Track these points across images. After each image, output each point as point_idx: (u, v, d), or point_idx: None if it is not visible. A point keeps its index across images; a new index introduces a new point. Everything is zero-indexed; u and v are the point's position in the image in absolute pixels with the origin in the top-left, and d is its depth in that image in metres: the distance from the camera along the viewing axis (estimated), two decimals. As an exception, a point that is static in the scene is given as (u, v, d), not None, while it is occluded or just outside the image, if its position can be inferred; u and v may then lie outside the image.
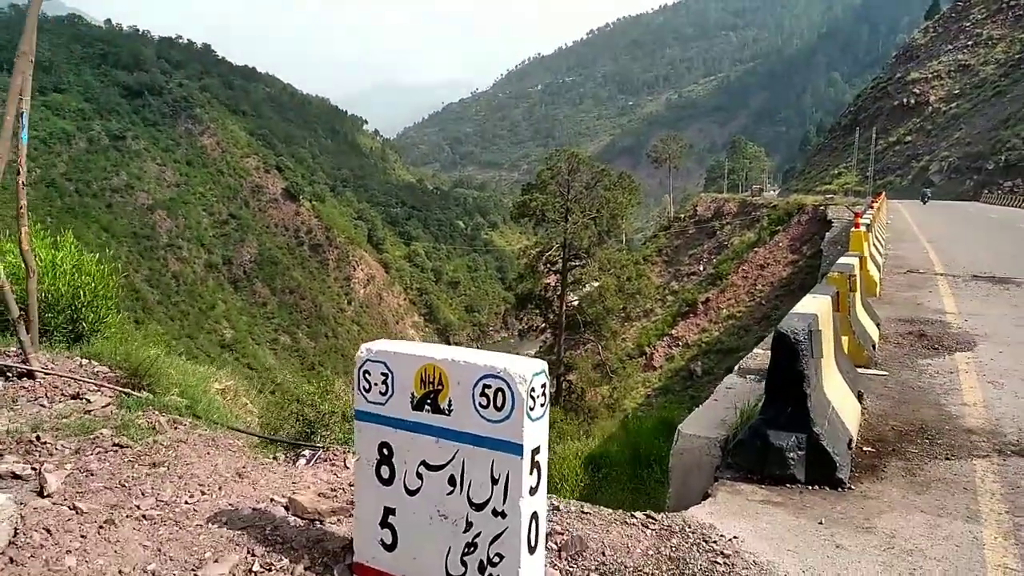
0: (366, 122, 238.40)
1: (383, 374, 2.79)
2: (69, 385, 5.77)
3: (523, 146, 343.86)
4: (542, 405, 2.51)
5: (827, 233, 32.10)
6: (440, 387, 2.62)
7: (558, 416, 30.13)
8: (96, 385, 5.80)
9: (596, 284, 41.38)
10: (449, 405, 2.60)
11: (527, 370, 2.42)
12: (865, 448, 4.62)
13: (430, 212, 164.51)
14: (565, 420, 30.31)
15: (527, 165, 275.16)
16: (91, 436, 4.68)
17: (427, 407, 2.67)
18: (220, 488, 4.01)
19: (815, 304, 4.85)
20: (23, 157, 6.38)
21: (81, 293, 8.01)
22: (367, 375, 2.84)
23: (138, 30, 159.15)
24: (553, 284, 42.08)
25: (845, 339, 6.34)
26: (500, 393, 2.44)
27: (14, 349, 6.33)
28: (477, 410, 2.52)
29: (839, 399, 4.56)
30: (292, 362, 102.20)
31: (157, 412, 5.35)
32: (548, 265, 42.33)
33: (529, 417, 2.43)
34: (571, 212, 40.05)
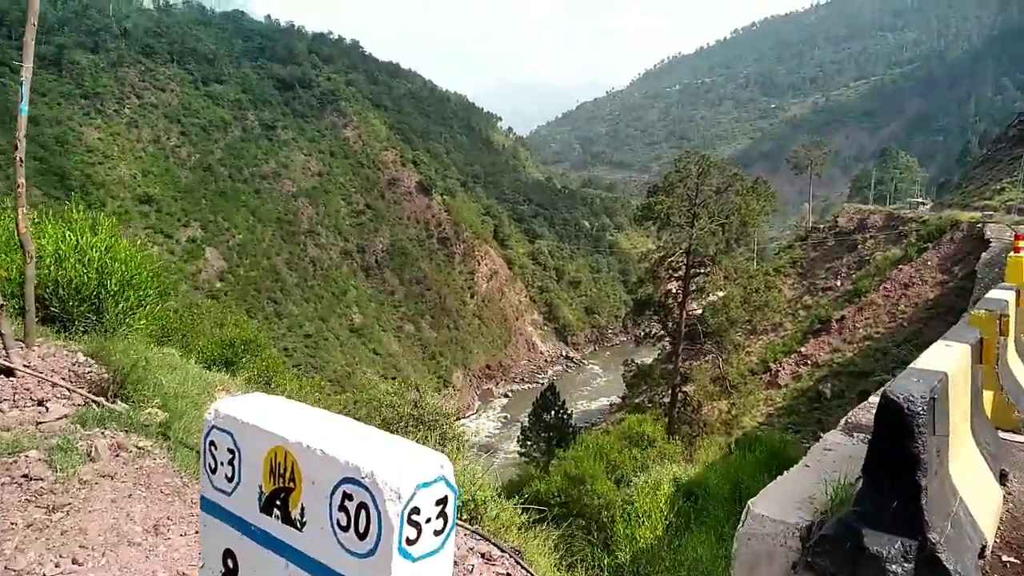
0: (500, 119, 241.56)
1: (230, 451, 1.90)
2: (42, 387, 5.23)
3: (656, 147, 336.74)
4: (437, 533, 1.57)
5: (983, 254, 29.17)
6: (292, 484, 1.72)
7: (659, 435, 29.06)
8: (69, 390, 5.27)
9: (721, 294, 39.70)
10: (301, 514, 1.71)
11: (408, 478, 1.52)
12: (1006, 558, 3.46)
13: (556, 211, 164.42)
14: (668, 440, 29.20)
15: (658, 167, 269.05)
16: (11, 459, 4.06)
17: (276, 511, 1.78)
18: (103, 555, 3.27)
19: (946, 357, 3.81)
20: (21, 131, 5.79)
21: (108, 281, 7.38)
22: (213, 448, 1.96)
23: (294, 25, 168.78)
24: (674, 291, 40.69)
25: (988, 395, 5.20)
26: (364, 511, 1.54)
27: (18, 342, 5.79)
28: (335, 530, 1.61)
29: (971, 485, 3.46)
30: (414, 350, 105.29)
31: (113, 431, 4.73)
32: (670, 271, 40.97)
33: (405, 554, 1.51)
34: (698, 217, 38.52)
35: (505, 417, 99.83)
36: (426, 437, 12.56)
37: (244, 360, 14.21)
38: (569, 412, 44.26)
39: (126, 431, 4.86)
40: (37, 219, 9.00)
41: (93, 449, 4.39)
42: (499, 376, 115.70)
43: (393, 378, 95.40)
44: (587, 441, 31.02)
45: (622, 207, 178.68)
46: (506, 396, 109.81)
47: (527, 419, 44.14)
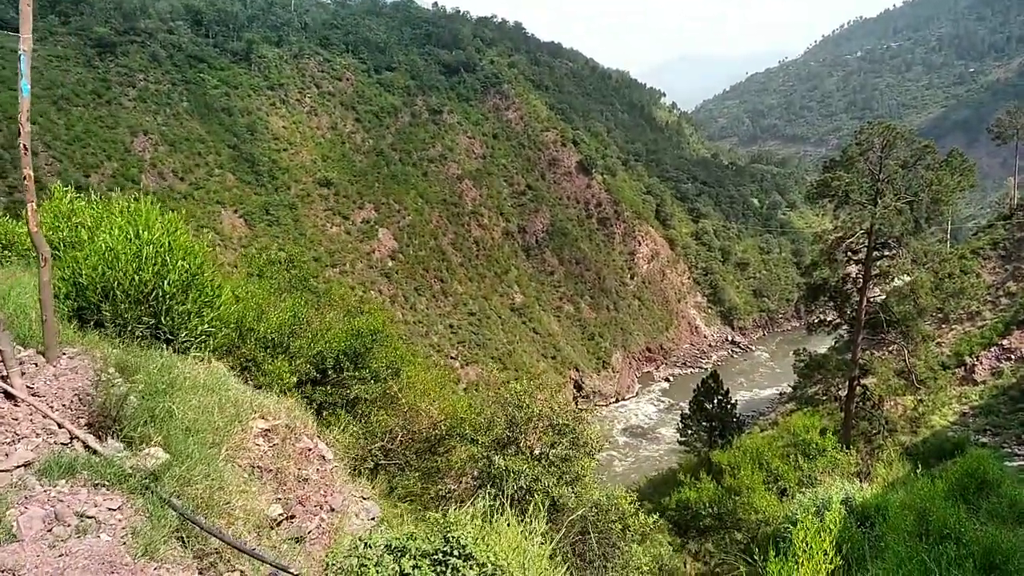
0: (663, 95, 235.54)
1: None
2: (32, 419, 4.40)
3: (834, 119, 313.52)
4: None
5: None
6: None
7: (829, 443, 26.62)
8: (58, 423, 4.42)
9: (907, 278, 36.09)
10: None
11: None
12: None
13: (723, 188, 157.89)
14: (840, 449, 26.53)
15: (837, 140, 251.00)
16: None
17: None
18: None
19: None
20: (24, 113, 4.84)
21: (163, 284, 6.63)
22: None
23: (459, 11, 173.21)
24: (854, 275, 37.46)
25: None
26: None
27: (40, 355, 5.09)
28: None
29: None
30: (574, 331, 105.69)
31: (75, 487, 3.83)
32: (849, 253, 37.70)
33: None
34: (882, 194, 35.07)
35: (666, 401, 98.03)
36: (554, 443, 12.12)
37: (373, 350, 14.13)
38: (733, 401, 42.27)
39: (97, 484, 3.93)
40: (96, 207, 8.38)
41: (16, 523, 3.29)
42: (660, 359, 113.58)
43: (552, 358, 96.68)
44: (746, 445, 29.17)
45: (795, 183, 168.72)
46: (667, 380, 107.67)
47: (688, 406, 42.68)
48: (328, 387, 13.04)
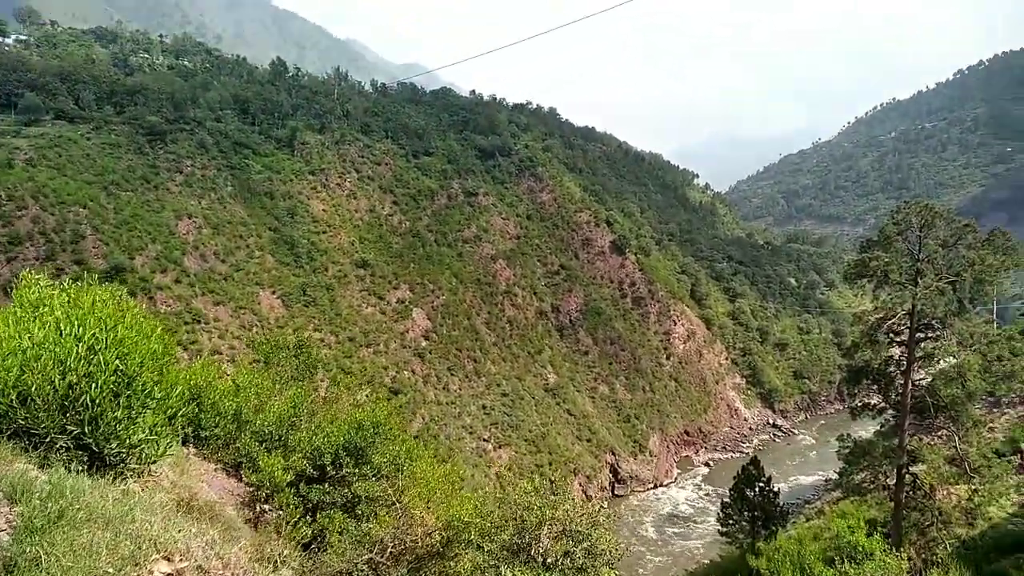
0: (697, 176, 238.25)
1: None
2: None
3: (870, 199, 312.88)
4: None
5: None
6: None
7: (877, 547, 24.78)
8: None
9: (953, 361, 34.76)
10: None
11: None
12: None
13: (758, 268, 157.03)
14: (887, 551, 24.52)
15: (874, 219, 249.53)
16: None
17: None
18: None
19: None
20: None
21: (91, 389, 5.78)
22: None
23: (495, 98, 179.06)
24: (896, 357, 36.24)
25: None
26: None
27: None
28: None
29: None
30: (609, 412, 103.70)
31: None
32: (891, 335, 36.55)
33: None
34: (922, 274, 34.23)
35: (706, 488, 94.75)
36: (567, 551, 11.27)
37: (375, 444, 13.26)
38: (776, 488, 40.51)
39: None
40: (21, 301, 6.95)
41: None
42: (699, 443, 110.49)
43: (588, 440, 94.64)
44: (786, 547, 27.48)
45: (833, 263, 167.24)
46: (707, 465, 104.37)
47: (728, 494, 41.00)
48: (326, 485, 12.29)
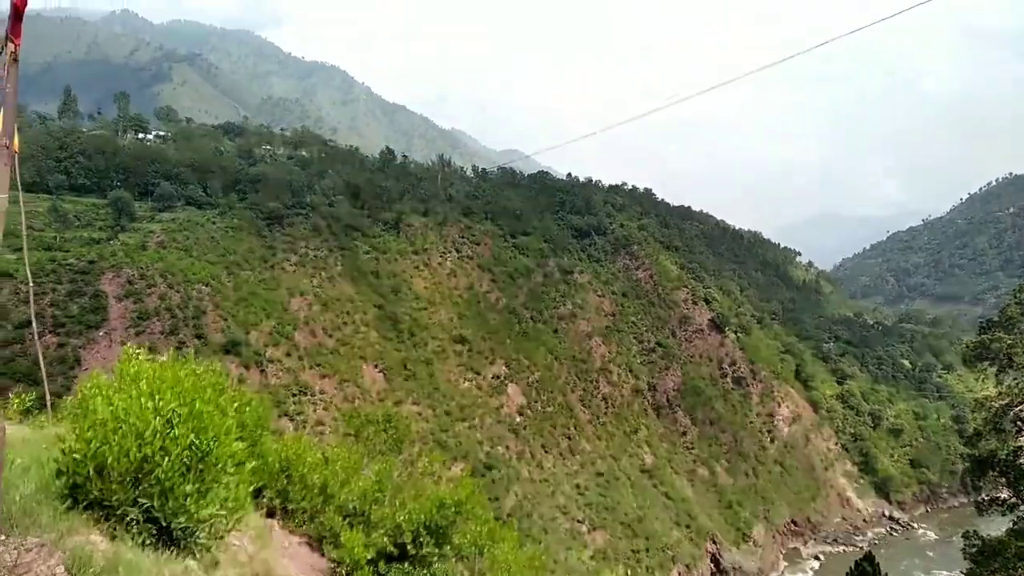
0: (799, 254, 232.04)
1: None
2: None
3: (990, 277, 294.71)
4: None
5: None
6: None
7: None
8: None
9: (1092, 448, 31.97)
10: None
11: None
12: None
13: (868, 348, 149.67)
14: None
15: (994, 299, 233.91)
16: None
17: None
18: None
19: None
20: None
21: (163, 462, 5.86)
22: None
23: (591, 180, 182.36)
24: (1026, 445, 33.71)
25: None
26: None
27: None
28: None
29: None
30: (709, 497, 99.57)
31: None
32: (1019, 423, 34.15)
33: None
34: (1049, 355, 32.15)
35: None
36: None
37: (455, 524, 12.87)
38: (893, 582, 37.68)
39: None
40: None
41: None
42: (807, 534, 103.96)
43: (687, 526, 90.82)
44: None
45: (950, 344, 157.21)
46: (816, 559, 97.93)
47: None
48: (406, 564, 11.95)
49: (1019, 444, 33.88)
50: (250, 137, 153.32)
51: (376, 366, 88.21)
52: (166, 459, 5.90)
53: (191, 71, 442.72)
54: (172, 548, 6.09)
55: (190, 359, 7.66)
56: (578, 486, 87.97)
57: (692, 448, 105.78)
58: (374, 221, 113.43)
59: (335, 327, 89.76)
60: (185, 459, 6.08)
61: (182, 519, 6.08)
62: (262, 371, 77.97)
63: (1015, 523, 40.52)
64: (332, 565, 10.98)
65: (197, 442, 6.18)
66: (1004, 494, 35.28)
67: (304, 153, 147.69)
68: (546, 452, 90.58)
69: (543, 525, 79.66)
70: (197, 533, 6.35)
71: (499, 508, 77.70)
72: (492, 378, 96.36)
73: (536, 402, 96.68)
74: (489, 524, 14.89)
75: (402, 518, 12.17)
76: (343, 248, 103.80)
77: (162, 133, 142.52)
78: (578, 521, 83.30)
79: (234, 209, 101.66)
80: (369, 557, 11.13)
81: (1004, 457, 33.55)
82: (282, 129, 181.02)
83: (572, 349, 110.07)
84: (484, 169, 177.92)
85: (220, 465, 6.44)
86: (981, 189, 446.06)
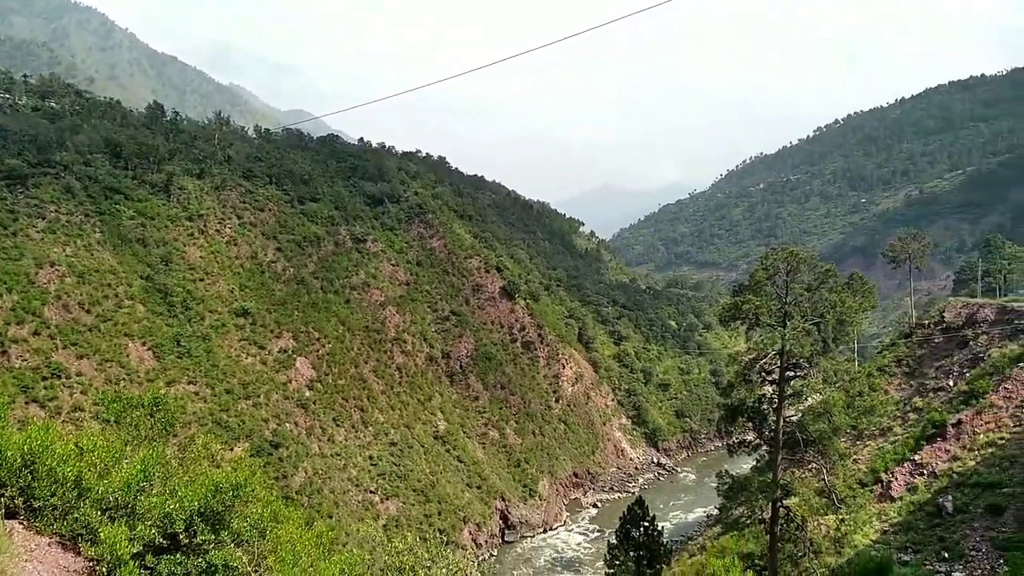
0: (583, 224, 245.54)
1: None
2: None
3: (742, 245, 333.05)
4: None
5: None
6: None
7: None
8: None
9: (820, 397, 36.81)
10: None
11: None
12: None
13: (642, 311, 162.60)
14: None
15: (746, 265, 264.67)
16: None
17: None
18: None
19: None
20: None
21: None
22: None
23: (384, 145, 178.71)
24: (769, 395, 38.01)
25: None
26: None
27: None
28: None
29: None
30: (499, 457, 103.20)
31: None
32: (763, 374, 38.38)
33: None
34: (790, 316, 36.26)
35: (594, 529, 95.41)
36: None
37: (233, 508, 12.13)
38: (660, 527, 41.14)
39: None
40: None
41: None
42: (587, 484, 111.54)
43: (478, 487, 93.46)
44: None
45: (710, 306, 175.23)
46: (595, 506, 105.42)
47: (615, 535, 41.29)
48: (177, 555, 11.20)
49: (763, 392, 38.14)
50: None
51: (144, 343, 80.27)
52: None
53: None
54: None
55: None
56: (371, 457, 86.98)
57: (484, 412, 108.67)
58: (140, 183, 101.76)
59: (94, 301, 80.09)
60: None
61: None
62: (3, 352, 67.97)
63: (757, 461, 45.95)
64: (90, 564, 9.88)
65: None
66: (750, 436, 39.71)
67: (53, 104, 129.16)
68: (338, 425, 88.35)
69: (335, 499, 77.94)
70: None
71: (287, 487, 74.75)
72: (279, 352, 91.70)
73: (327, 375, 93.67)
74: (273, 505, 13.94)
75: (172, 507, 11.01)
76: (102, 213, 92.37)
77: None
78: (370, 492, 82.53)
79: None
80: (135, 551, 10.02)
81: (751, 404, 37.61)
82: (25, 76, 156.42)
83: (365, 319, 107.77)
84: (267, 129, 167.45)
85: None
86: (737, 166, 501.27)
